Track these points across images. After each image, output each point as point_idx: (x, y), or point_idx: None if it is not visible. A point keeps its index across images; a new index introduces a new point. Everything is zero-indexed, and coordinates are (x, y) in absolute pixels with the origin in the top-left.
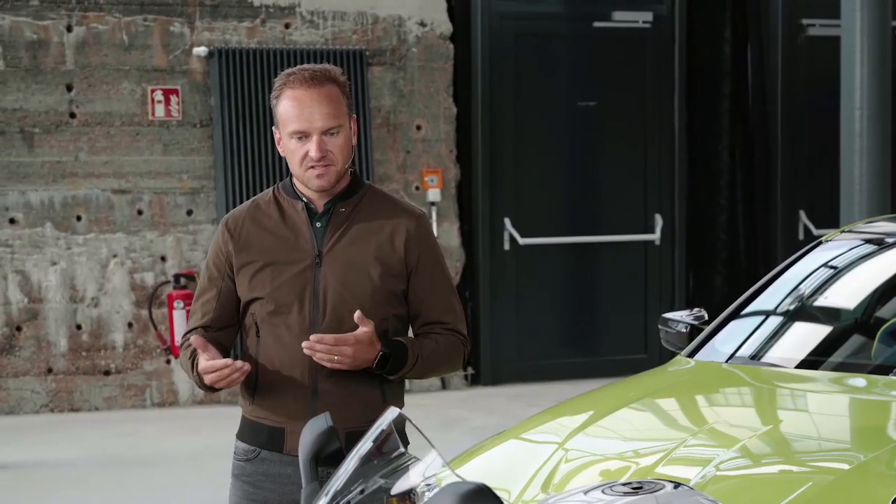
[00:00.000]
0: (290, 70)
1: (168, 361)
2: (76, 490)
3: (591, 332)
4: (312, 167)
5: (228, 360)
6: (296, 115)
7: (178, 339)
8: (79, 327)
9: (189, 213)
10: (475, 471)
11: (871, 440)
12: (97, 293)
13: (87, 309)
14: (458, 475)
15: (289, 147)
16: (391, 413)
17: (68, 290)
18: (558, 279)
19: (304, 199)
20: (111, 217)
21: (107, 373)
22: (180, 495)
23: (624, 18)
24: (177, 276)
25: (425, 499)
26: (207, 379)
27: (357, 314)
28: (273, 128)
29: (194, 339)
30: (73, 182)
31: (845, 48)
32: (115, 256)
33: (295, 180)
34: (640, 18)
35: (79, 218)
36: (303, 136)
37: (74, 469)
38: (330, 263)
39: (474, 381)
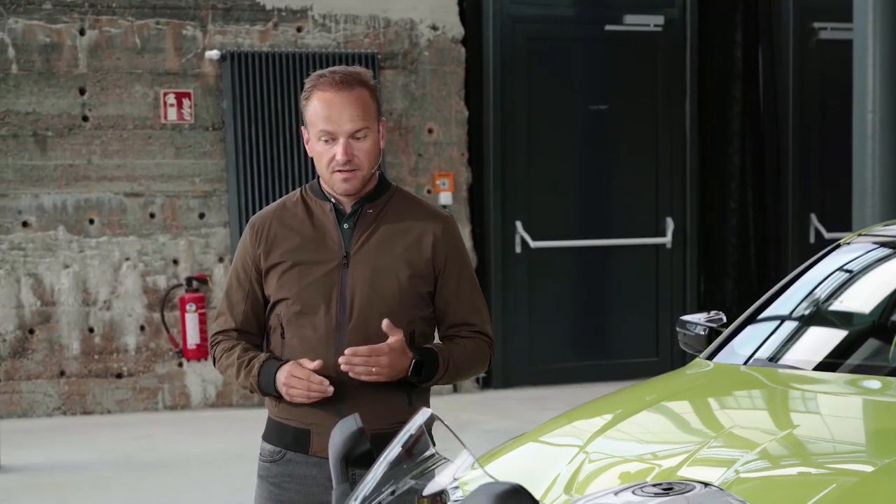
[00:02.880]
0: (320, 72)
1: (180, 364)
2: (90, 493)
3: (603, 336)
4: (339, 171)
5: (324, 380)
6: (324, 116)
7: (190, 342)
8: (91, 330)
9: (201, 216)
10: (495, 474)
11: (891, 442)
12: (109, 296)
13: (100, 312)
14: (491, 476)
15: (316, 149)
16: (423, 414)
17: (81, 293)
18: (570, 282)
19: (332, 200)
20: (124, 220)
21: (119, 376)
22: (195, 498)
23: (635, 22)
24: (189, 280)
25: (453, 498)
26: (289, 382)
27: (385, 323)
28: (302, 127)
29: (310, 364)
30: (86, 185)
31: (857, 51)
32: (127, 259)
33: (322, 181)
34: (652, 22)
35: (91, 221)
36: (330, 138)
37: (88, 472)
38: (357, 265)
39: (486, 384)
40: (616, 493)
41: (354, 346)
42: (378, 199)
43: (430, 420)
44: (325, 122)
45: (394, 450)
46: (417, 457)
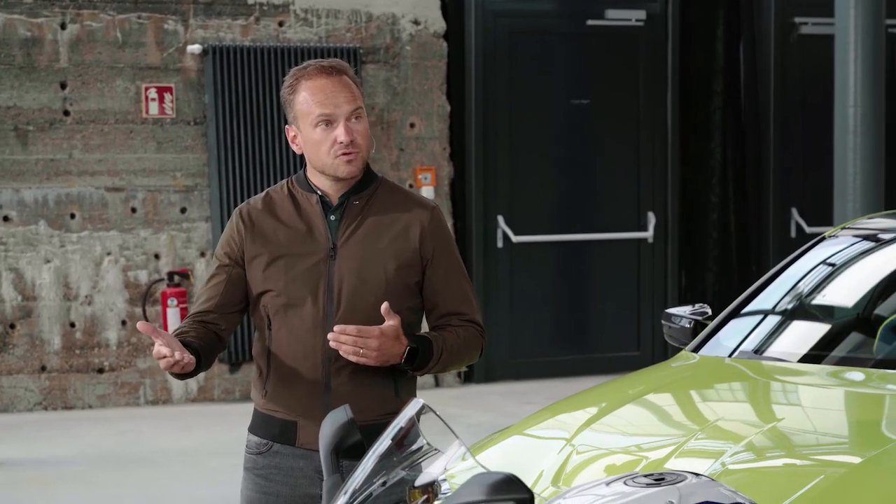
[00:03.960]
0: (301, 65)
1: None
2: (73, 488)
3: (585, 330)
4: (343, 154)
5: (170, 351)
6: (320, 101)
7: None
8: (72, 325)
9: (183, 210)
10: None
11: (877, 434)
12: (91, 291)
13: (81, 307)
14: (483, 466)
15: (312, 137)
16: (415, 404)
17: (62, 288)
18: (551, 277)
19: (318, 192)
20: (105, 215)
21: (100, 370)
22: (177, 492)
23: (617, 16)
24: (170, 274)
25: (443, 489)
26: (161, 364)
27: (384, 306)
28: (287, 126)
29: (140, 324)
30: (67, 180)
31: (839, 46)
32: (108, 254)
33: (309, 173)
34: (634, 16)
35: (73, 216)
36: (329, 121)
37: (70, 467)
38: (344, 256)
39: (467, 378)
40: (607, 484)
41: None
42: (364, 191)
43: (421, 411)
44: (322, 106)
45: (385, 440)
46: (408, 447)
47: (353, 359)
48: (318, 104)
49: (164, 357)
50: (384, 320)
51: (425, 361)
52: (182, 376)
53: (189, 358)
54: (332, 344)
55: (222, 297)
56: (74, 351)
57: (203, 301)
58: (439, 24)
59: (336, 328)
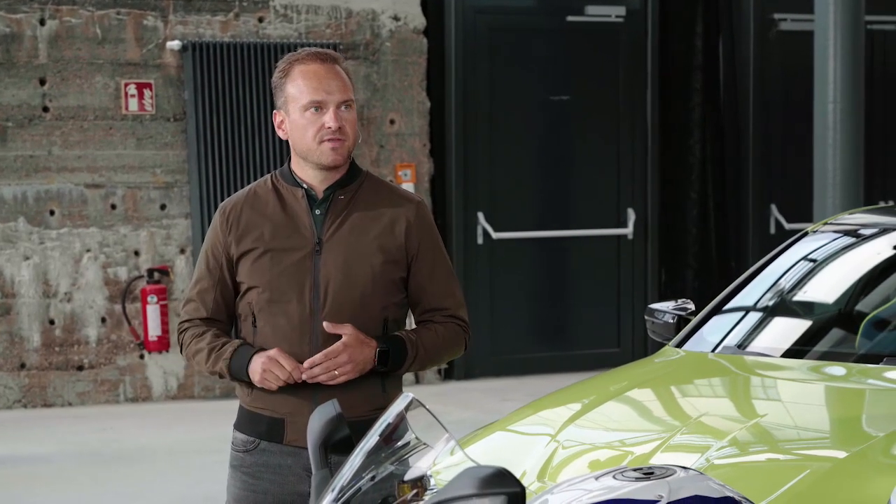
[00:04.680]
0: (295, 52)
1: (142, 356)
2: (53, 485)
3: (565, 327)
4: (328, 140)
5: (298, 365)
6: (313, 86)
7: (151, 334)
8: (52, 322)
9: (163, 207)
10: (466, 462)
11: (859, 429)
12: (70, 288)
13: (61, 304)
14: (473, 460)
15: (300, 122)
16: (404, 399)
17: (41, 285)
18: (532, 273)
19: (303, 186)
20: (84, 211)
21: (80, 368)
22: (158, 490)
23: (597, 13)
24: (150, 271)
25: (431, 484)
26: (263, 368)
27: (326, 325)
28: (274, 112)
29: (277, 352)
30: (47, 176)
31: (819, 42)
32: (88, 251)
33: (294, 166)
34: (613, 13)
35: (52, 212)
36: (319, 107)
37: (50, 465)
38: (330, 251)
39: (447, 375)
40: (597, 478)
41: (328, 333)
42: (350, 185)
43: (410, 405)
44: (314, 92)
45: (373, 435)
46: (397, 442)
47: (333, 382)
48: (311, 89)
49: (282, 367)
50: (370, 315)
51: (400, 361)
52: (237, 379)
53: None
54: (308, 381)
55: (215, 305)
56: (54, 348)
57: (199, 308)
58: (419, 21)
59: (305, 364)
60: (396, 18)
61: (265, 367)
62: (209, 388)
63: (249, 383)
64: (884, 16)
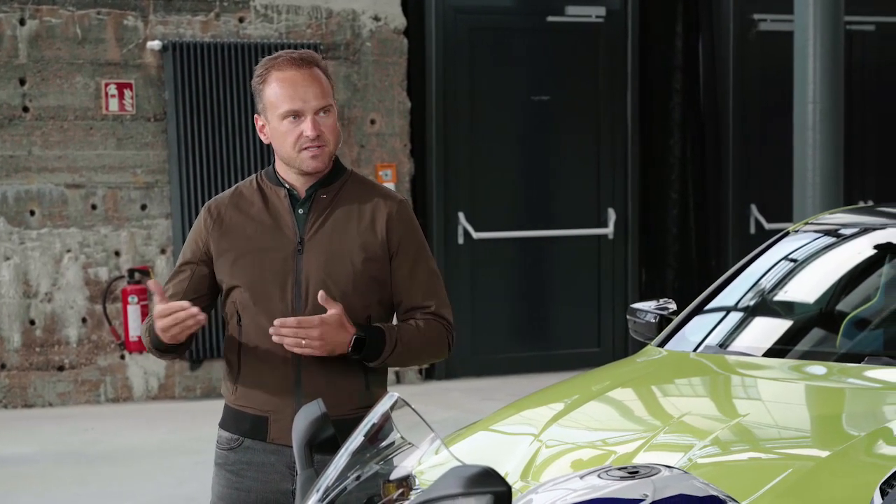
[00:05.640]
0: (273, 55)
1: (122, 357)
2: (35, 486)
3: (545, 327)
4: (307, 148)
5: (185, 304)
6: (289, 95)
7: (132, 334)
8: (32, 322)
9: (143, 207)
10: (449, 461)
11: (839, 428)
12: (51, 288)
13: (41, 304)
14: (458, 459)
15: (279, 130)
16: (389, 398)
17: (21, 286)
18: (512, 273)
19: (286, 185)
20: (65, 212)
21: (61, 368)
22: (140, 490)
23: (577, 13)
24: (131, 271)
25: (416, 484)
26: (160, 323)
27: (320, 294)
28: (256, 115)
29: (150, 282)
30: (27, 176)
31: (798, 43)
32: (68, 251)
33: (278, 167)
34: (594, 13)
35: (32, 213)
36: (297, 115)
37: (32, 465)
38: (312, 250)
39: (429, 375)
40: (581, 478)
41: None
42: (333, 184)
43: (395, 405)
44: (291, 101)
45: (358, 435)
46: (382, 442)
47: (297, 351)
48: (287, 98)
49: (175, 313)
50: (353, 313)
51: (376, 352)
52: (172, 351)
53: (202, 314)
54: (274, 339)
55: (185, 295)
56: (34, 348)
57: (169, 296)
58: (399, 21)
59: (276, 322)
60: (377, 19)
61: (158, 313)
62: (190, 389)
63: (233, 381)
64: (863, 16)
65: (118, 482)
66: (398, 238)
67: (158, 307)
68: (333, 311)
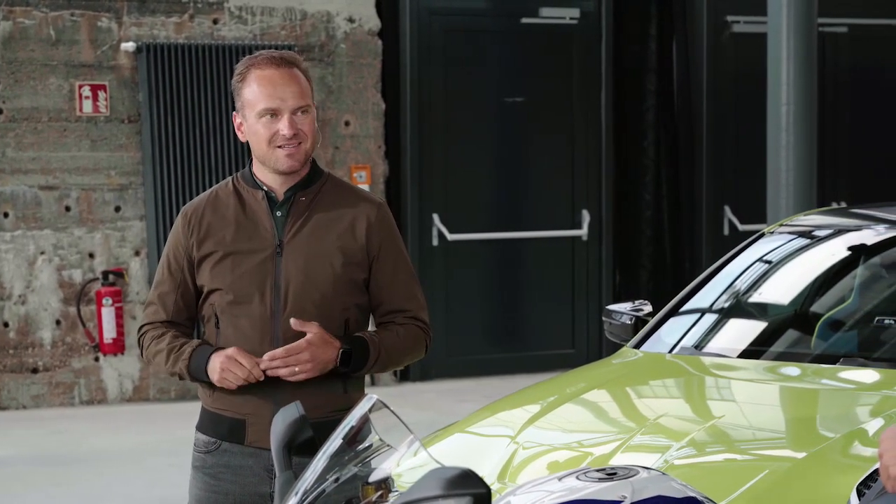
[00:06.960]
0: (254, 54)
1: (97, 359)
2: (9, 488)
3: (520, 328)
4: (281, 146)
5: (257, 366)
6: (267, 93)
7: (106, 336)
8: (6, 325)
9: (117, 209)
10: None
11: (817, 429)
12: (24, 290)
13: (15, 306)
14: (438, 461)
15: (256, 128)
16: (368, 401)
17: None
18: (487, 275)
19: (264, 187)
20: (39, 214)
21: (34, 370)
22: (115, 492)
23: (551, 15)
24: (105, 273)
25: (394, 487)
26: (227, 368)
27: (293, 321)
28: (234, 113)
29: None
30: (0, 178)
31: (772, 45)
32: (42, 253)
33: (255, 168)
34: (568, 15)
35: (6, 215)
36: (274, 114)
37: (5, 468)
38: (291, 253)
39: (403, 376)
40: (560, 479)
41: (289, 334)
42: (311, 187)
43: (374, 407)
44: (269, 99)
45: (337, 438)
46: (361, 444)
47: (293, 379)
48: (265, 97)
49: (249, 372)
50: (332, 316)
51: (361, 362)
52: (199, 380)
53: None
54: (269, 373)
55: (176, 308)
56: (8, 351)
57: (160, 311)
58: (374, 22)
59: (265, 356)
60: (351, 20)
61: (224, 365)
62: (164, 391)
63: (210, 384)
64: (836, 18)
65: (92, 485)
66: (379, 242)
67: (239, 356)
68: (314, 330)
